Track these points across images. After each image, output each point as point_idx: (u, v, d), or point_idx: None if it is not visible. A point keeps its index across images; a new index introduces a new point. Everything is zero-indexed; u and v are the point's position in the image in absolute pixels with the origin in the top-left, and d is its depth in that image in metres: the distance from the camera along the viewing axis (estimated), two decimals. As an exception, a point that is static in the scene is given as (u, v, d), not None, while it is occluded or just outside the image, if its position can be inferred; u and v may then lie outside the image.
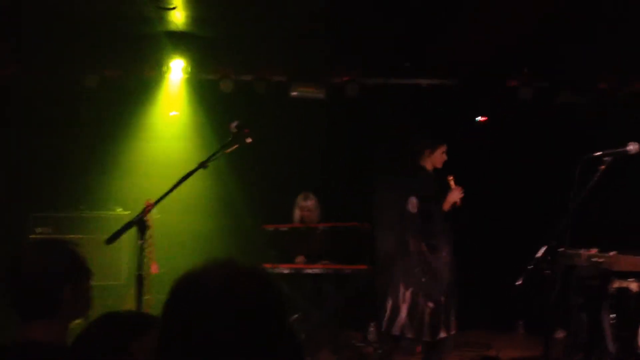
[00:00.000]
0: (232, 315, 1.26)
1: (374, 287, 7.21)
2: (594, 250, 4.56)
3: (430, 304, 5.59)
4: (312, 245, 6.67)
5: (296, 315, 6.59)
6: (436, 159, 5.82)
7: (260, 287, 1.32)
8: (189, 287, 1.31)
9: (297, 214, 6.91)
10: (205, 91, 7.46)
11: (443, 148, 5.82)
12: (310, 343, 6.41)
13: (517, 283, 3.88)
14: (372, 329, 6.76)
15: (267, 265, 6.47)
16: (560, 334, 5.97)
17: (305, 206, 6.87)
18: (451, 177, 5.77)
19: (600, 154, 3.96)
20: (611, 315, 5.08)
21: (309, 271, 6.53)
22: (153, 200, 3.92)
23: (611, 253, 4.45)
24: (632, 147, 3.95)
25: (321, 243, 6.66)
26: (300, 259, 6.69)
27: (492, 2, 5.70)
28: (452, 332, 5.70)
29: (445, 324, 5.63)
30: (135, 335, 1.60)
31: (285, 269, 6.51)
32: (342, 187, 7.64)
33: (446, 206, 5.71)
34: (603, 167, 3.97)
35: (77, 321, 2.08)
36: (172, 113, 7.49)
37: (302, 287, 6.60)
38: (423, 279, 5.66)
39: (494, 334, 6.94)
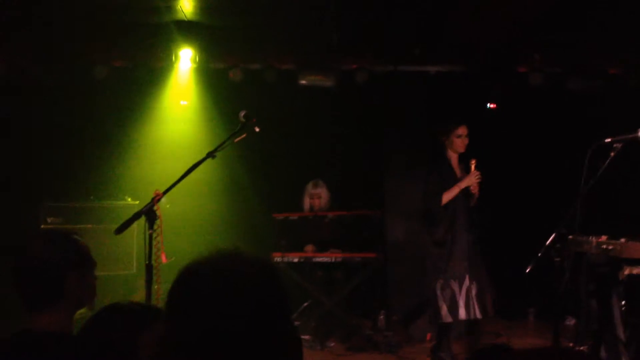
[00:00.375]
0: (236, 306, 1.26)
1: (384, 274, 7.23)
2: (603, 237, 4.53)
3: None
4: (321, 233, 6.69)
5: (306, 303, 6.63)
6: (455, 143, 5.59)
7: (264, 277, 1.32)
8: (192, 278, 1.32)
9: (306, 201, 6.93)
10: (214, 80, 7.46)
11: (457, 131, 5.57)
12: (320, 330, 6.44)
13: (526, 270, 3.88)
14: (381, 316, 6.77)
15: (277, 254, 6.50)
16: (570, 321, 5.97)
17: (315, 194, 6.88)
18: (473, 161, 5.54)
19: (610, 141, 3.94)
20: (622, 302, 5.06)
21: (319, 259, 6.55)
22: (162, 190, 3.94)
23: (621, 240, 4.42)
24: (642, 133, 3.91)
25: (331, 231, 6.67)
26: (309, 247, 6.71)
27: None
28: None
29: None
30: (141, 328, 1.61)
31: (294, 258, 6.54)
32: (351, 175, 7.64)
33: (455, 190, 5.55)
34: (613, 153, 3.95)
35: (82, 311, 2.10)
36: (182, 102, 7.50)
37: (312, 275, 6.63)
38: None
39: (505, 321, 6.94)
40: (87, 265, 2.14)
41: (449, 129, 5.62)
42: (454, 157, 5.68)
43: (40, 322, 1.99)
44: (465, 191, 5.57)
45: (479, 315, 5.41)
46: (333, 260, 6.54)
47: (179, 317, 1.28)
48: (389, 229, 7.65)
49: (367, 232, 6.50)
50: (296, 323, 6.44)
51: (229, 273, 1.29)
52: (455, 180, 5.58)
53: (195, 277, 1.31)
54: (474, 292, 5.43)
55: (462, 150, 5.62)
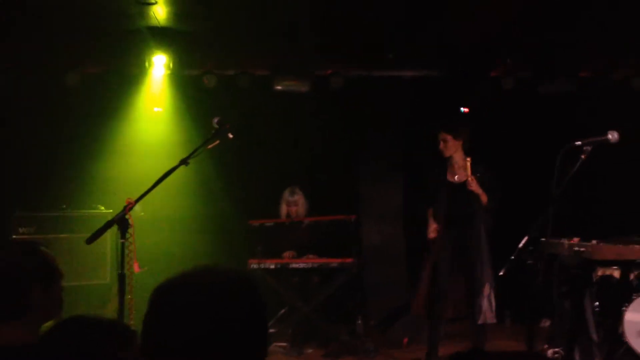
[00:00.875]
0: (213, 325, 1.24)
1: (361, 279, 7.23)
2: (575, 240, 4.59)
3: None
4: (298, 239, 6.67)
5: (283, 310, 6.60)
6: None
7: (241, 296, 1.31)
8: (168, 297, 1.30)
9: (283, 208, 6.90)
10: (188, 87, 7.41)
11: (438, 137, 5.65)
12: (298, 337, 6.42)
13: (500, 274, 3.90)
14: (359, 321, 6.76)
15: (253, 261, 6.48)
16: (545, 323, 6.01)
17: (292, 201, 6.86)
18: (468, 159, 5.59)
19: (581, 143, 3.97)
20: (595, 303, 5.12)
21: (295, 265, 6.53)
22: (134, 199, 3.90)
23: (593, 242, 4.48)
24: (611, 135, 3.96)
25: (307, 237, 6.66)
26: (288, 253, 6.69)
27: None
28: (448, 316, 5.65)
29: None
30: (105, 345, 1.58)
31: (271, 264, 6.51)
32: (327, 180, 7.64)
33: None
34: (584, 156, 3.99)
35: (49, 324, 2.06)
36: (156, 109, 7.44)
37: (288, 281, 6.61)
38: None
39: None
40: (53, 278, 2.09)
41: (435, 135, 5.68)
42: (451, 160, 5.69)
43: (4, 336, 1.95)
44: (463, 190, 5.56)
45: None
46: (309, 266, 6.53)
47: (156, 337, 1.26)
48: (365, 233, 7.67)
49: (343, 237, 6.49)
50: (272, 330, 6.46)
51: (206, 292, 1.28)
52: (443, 185, 5.64)
53: (172, 296, 1.29)
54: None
55: (443, 155, 5.66)
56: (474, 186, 5.47)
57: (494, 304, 5.34)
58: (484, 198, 5.51)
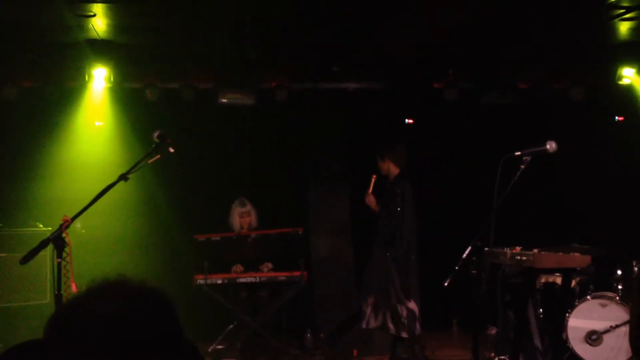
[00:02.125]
0: (121, 344, 1.18)
1: (310, 292, 7.19)
2: (517, 249, 4.66)
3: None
4: (245, 253, 6.59)
5: (231, 326, 6.50)
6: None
7: (151, 312, 1.24)
8: (73, 315, 1.23)
9: (236, 220, 6.78)
10: (130, 100, 7.26)
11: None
12: (246, 353, 6.33)
13: (444, 284, 3.93)
14: (308, 335, 6.72)
15: (200, 276, 6.36)
16: (492, 330, 6.08)
17: (245, 212, 6.76)
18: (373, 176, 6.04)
19: (520, 154, 4.05)
20: (539, 310, 5.21)
21: (243, 280, 6.45)
22: (70, 217, 3.78)
23: (534, 250, 4.55)
24: (549, 145, 4.05)
25: (255, 251, 6.58)
26: (236, 267, 6.59)
27: (416, 6, 5.76)
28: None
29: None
30: None
31: (218, 279, 6.41)
32: (275, 193, 7.58)
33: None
34: (523, 166, 4.06)
35: None
36: (97, 123, 7.26)
37: (236, 296, 6.51)
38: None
39: (430, 333, 7.00)
40: None
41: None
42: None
43: None
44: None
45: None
46: (257, 280, 6.45)
47: (58, 350, 1.19)
48: (314, 246, 7.64)
49: (291, 250, 6.44)
50: (221, 347, 6.35)
51: (114, 308, 1.21)
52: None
53: (78, 314, 1.22)
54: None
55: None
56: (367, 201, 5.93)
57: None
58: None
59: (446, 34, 6.39)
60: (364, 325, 5.85)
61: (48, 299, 6.30)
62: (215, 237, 6.59)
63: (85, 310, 1.22)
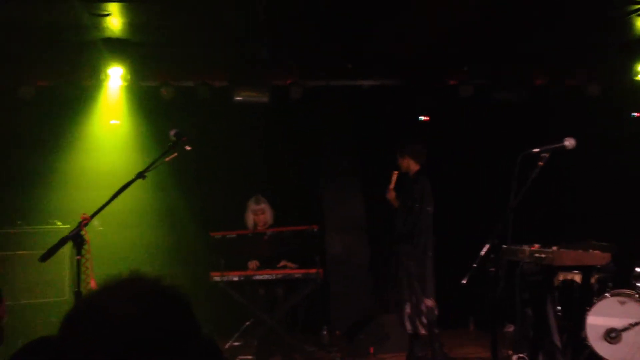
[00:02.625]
0: (132, 342, 1.17)
1: (325, 289, 7.19)
2: (536, 246, 4.62)
3: None
4: (261, 250, 6.60)
5: (248, 323, 6.51)
6: None
7: (165, 310, 1.23)
8: (86, 312, 1.22)
9: (250, 218, 6.78)
10: (145, 98, 7.29)
11: None
12: (263, 350, 6.34)
13: (462, 282, 3.90)
14: (324, 332, 6.72)
15: (216, 274, 6.37)
16: (510, 328, 6.05)
17: (259, 209, 6.76)
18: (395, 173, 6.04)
19: (538, 150, 4.01)
20: (557, 308, 5.17)
21: (260, 277, 6.46)
22: (89, 214, 3.80)
23: (553, 248, 4.51)
24: (568, 142, 4.01)
25: (270, 248, 6.59)
26: (253, 264, 6.60)
27: (431, 2, 5.73)
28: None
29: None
30: None
31: (234, 277, 6.42)
32: (290, 190, 7.58)
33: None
34: (541, 163, 4.02)
35: None
36: (112, 122, 7.30)
37: (253, 293, 6.52)
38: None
39: (446, 331, 6.98)
40: None
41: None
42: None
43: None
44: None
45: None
46: (274, 277, 6.46)
47: (72, 355, 1.19)
48: (329, 243, 7.63)
49: (307, 247, 6.44)
50: (237, 343, 6.37)
51: (128, 306, 1.20)
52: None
53: (91, 312, 1.22)
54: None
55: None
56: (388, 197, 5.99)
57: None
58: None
59: (460, 31, 6.35)
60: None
61: (67, 296, 6.35)
62: (231, 235, 6.60)
63: (98, 308, 1.21)
